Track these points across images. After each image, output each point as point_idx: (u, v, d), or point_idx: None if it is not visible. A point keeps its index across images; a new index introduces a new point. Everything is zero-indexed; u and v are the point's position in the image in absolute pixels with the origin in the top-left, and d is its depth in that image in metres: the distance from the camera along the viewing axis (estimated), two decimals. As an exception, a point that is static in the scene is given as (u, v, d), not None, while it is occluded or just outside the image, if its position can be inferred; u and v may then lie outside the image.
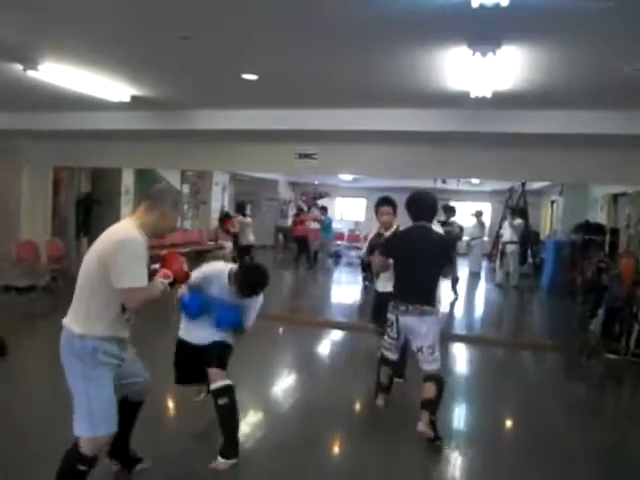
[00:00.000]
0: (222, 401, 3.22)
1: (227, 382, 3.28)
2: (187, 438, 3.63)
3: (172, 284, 2.65)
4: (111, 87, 5.44)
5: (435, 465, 3.46)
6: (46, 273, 8.29)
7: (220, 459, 3.18)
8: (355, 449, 3.72)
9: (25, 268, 7.97)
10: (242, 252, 10.14)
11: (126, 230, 2.53)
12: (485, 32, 3.34)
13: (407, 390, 4.49)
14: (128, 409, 2.82)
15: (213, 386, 3.27)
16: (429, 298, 3.73)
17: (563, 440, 3.94)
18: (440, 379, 3.70)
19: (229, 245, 10.22)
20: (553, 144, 6.10)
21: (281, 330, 7.10)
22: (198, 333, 3.46)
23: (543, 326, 8.71)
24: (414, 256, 3.74)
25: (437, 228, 4.31)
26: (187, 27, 3.63)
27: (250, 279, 3.29)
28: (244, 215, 10.63)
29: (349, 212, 19.93)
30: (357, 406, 4.57)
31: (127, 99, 5.75)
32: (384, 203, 4.55)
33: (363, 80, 4.81)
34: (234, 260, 9.73)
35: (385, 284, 4.25)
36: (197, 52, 4.19)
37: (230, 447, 3.22)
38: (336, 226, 16.67)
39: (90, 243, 2.70)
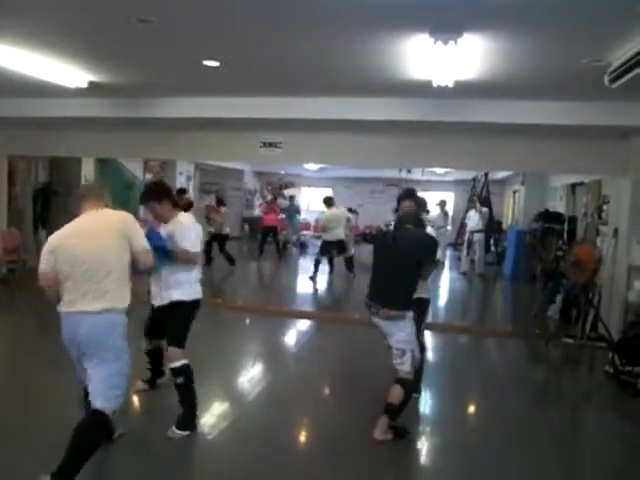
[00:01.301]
0: (179, 380, 3.41)
1: (183, 362, 3.44)
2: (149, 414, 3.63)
3: None
4: (67, 72, 5.25)
5: (400, 449, 3.50)
6: (2, 265, 8.00)
7: (174, 429, 3.34)
8: (318, 438, 3.73)
9: (-21, 260, 7.69)
10: (219, 240, 10.49)
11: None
12: (446, 20, 3.36)
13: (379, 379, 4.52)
14: None
15: (171, 365, 3.46)
16: (400, 302, 3.48)
17: (523, 422, 4.05)
18: (409, 385, 3.53)
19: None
20: (518, 134, 6.19)
21: (248, 320, 7.07)
22: (154, 292, 3.55)
23: (505, 312, 8.94)
24: (388, 256, 3.63)
25: (430, 230, 4.12)
26: (147, 10, 3.52)
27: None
28: (224, 206, 11.17)
29: (315, 202, 19.88)
30: (323, 396, 4.59)
31: (84, 85, 5.57)
32: (406, 197, 3.95)
33: (326, 68, 4.79)
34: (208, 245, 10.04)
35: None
36: (157, 37, 4.08)
37: (186, 420, 3.40)
38: (302, 216, 16.65)
39: (49, 235, 2.87)
